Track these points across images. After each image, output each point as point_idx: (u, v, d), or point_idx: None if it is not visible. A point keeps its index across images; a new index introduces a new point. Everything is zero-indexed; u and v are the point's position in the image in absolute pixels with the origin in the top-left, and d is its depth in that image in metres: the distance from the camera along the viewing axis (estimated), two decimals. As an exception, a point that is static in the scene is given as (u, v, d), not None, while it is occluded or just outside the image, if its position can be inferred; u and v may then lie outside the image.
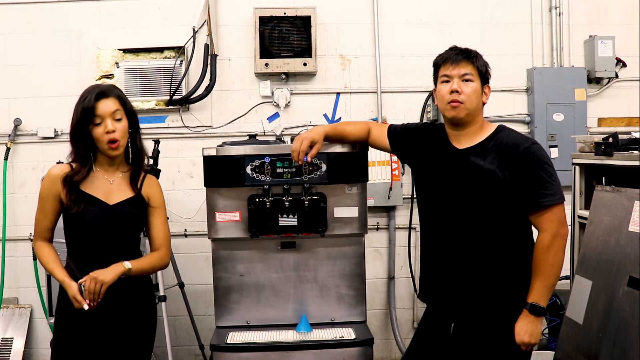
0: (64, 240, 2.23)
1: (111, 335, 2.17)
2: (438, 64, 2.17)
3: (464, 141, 2.14)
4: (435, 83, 2.19)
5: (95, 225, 2.14)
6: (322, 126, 2.54)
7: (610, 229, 2.53)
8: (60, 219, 2.24)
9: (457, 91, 2.08)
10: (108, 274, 2.07)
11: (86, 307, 2.05)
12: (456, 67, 2.10)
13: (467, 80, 2.09)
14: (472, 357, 2.12)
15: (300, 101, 3.96)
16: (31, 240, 3.75)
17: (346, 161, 2.66)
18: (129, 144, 2.22)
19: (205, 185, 2.72)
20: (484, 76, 2.14)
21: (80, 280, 2.07)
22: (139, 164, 2.26)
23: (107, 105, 2.13)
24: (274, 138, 3.69)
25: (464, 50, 2.14)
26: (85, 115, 2.11)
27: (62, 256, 2.24)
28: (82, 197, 2.14)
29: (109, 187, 2.20)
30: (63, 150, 2.36)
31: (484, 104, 2.16)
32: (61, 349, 2.18)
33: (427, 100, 3.93)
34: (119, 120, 2.15)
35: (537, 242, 2.06)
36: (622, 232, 2.44)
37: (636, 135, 2.79)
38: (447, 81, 2.12)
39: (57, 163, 2.36)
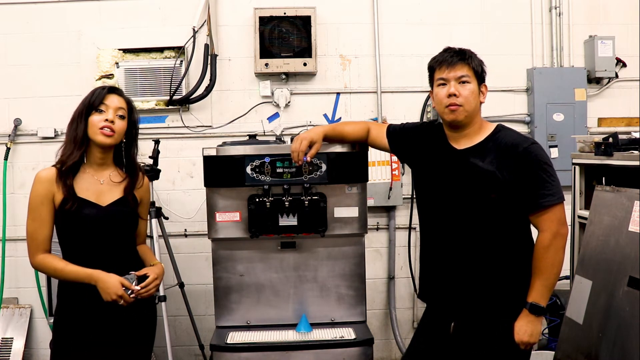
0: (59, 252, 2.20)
1: (111, 335, 2.16)
2: (433, 67, 2.15)
3: (463, 142, 2.14)
4: (432, 85, 2.18)
5: (91, 227, 2.12)
6: (321, 126, 2.54)
7: (610, 229, 2.53)
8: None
9: (454, 94, 2.07)
10: (161, 276, 2.27)
11: (138, 288, 2.12)
12: (452, 70, 2.08)
13: (463, 82, 2.08)
14: (472, 357, 2.12)
15: (300, 101, 3.96)
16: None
17: (346, 161, 2.66)
18: (123, 151, 2.24)
19: (205, 185, 2.72)
20: (480, 76, 2.13)
21: (140, 272, 2.17)
22: (135, 175, 2.26)
23: (115, 100, 2.17)
24: (274, 138, 3.69)
25: (459, 52, 2.12)
26: (91, 103, 2.13)
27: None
28: (75, 198, 2.12)
29: (99, 187, 2.18)
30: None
31: (481, 103, 2.15)
32: (61, 349, 2.18)
33: (427, 100, 3.92)
34: (122, 118, 2.17)
35: (537, 242, 2.06)
36: (622, 232, 2.44)
37: (636, 135, 2.79)
38: (443, 84, 2.10)
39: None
